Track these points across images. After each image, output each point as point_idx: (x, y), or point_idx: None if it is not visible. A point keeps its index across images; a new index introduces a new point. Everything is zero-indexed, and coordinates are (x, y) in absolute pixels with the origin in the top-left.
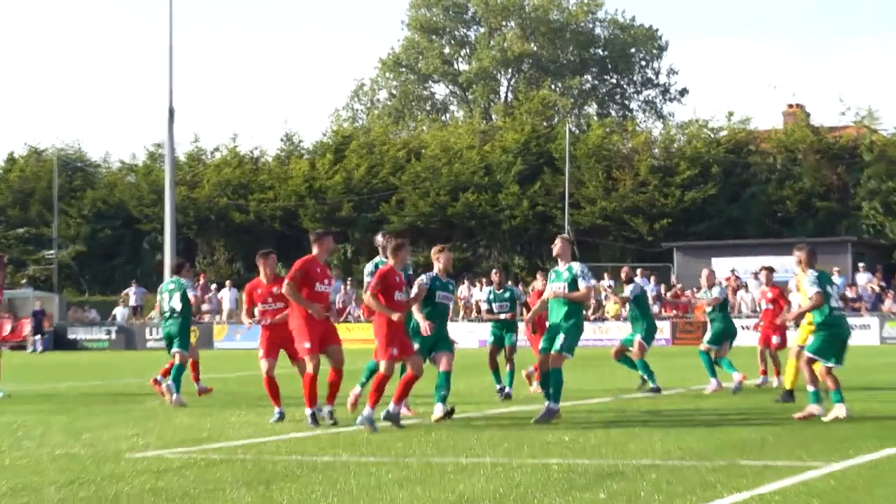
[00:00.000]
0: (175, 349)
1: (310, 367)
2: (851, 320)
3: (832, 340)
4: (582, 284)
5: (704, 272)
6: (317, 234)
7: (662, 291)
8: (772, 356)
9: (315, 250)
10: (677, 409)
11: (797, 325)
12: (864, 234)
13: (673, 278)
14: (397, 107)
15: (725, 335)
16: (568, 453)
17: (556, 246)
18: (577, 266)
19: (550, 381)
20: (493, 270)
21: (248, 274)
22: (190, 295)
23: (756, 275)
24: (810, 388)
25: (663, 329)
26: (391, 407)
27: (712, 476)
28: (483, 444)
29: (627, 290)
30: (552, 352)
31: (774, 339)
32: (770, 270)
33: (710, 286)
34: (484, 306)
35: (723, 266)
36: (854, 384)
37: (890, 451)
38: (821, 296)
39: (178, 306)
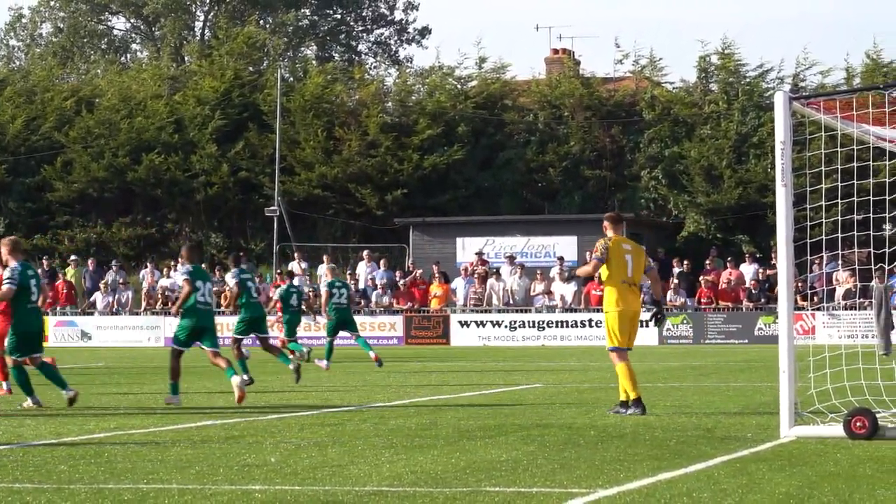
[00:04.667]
0: None
1: None
2: None
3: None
4: None
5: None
6: None
7: (396, 278)
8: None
9: None
10: (410, 423)
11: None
12: (642, 209)
13: (409, 262)
14: (65, 44)
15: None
16: (274, 478)
17: None
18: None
19: None
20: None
21: None
22: None
23: (511, 259)
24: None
25: (395, 325)
26: None
27: None
28: (168, 466)
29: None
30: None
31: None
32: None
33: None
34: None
35: (470, 247)
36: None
37: (668, 475)
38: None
39: None
